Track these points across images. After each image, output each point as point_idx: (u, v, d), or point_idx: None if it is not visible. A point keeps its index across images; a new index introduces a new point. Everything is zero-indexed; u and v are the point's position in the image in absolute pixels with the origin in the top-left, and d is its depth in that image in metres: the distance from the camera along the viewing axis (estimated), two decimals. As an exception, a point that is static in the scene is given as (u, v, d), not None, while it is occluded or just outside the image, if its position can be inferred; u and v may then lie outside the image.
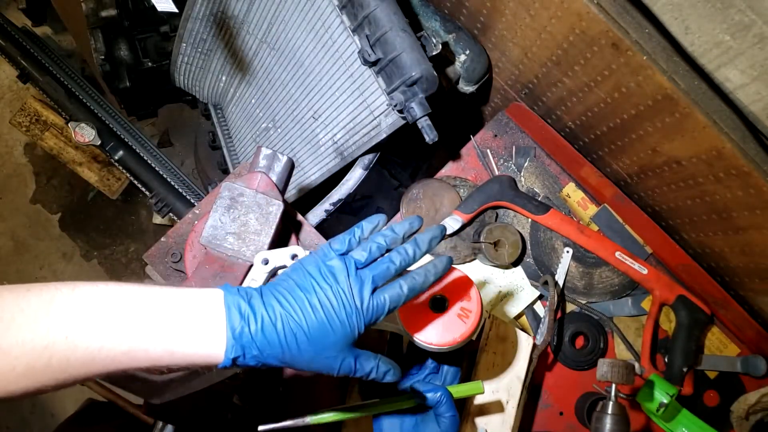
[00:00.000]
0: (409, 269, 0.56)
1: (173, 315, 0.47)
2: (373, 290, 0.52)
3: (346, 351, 0.52)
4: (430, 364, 0.73)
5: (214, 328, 0.47)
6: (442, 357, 0.75)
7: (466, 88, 1.14)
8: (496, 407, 0.87)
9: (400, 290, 0.53)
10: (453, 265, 0.66)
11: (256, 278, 0.69)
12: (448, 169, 1.12)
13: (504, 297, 1.04)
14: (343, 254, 0.54)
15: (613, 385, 0.83)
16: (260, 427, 0.61)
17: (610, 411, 0.82)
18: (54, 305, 0.44)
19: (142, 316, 0.46)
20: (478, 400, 0.86)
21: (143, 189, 1.54)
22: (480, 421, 0.86)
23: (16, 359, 0.42)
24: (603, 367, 0.83)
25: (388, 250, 0.56)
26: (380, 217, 0.59)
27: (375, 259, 0.55)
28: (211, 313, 0.48)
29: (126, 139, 1.52)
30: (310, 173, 1.16)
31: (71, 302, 0.45)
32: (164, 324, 0.46)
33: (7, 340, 0.42)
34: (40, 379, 0.43)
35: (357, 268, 0.53)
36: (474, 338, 0.66)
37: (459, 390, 0.68)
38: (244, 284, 0.70)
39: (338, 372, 0.52)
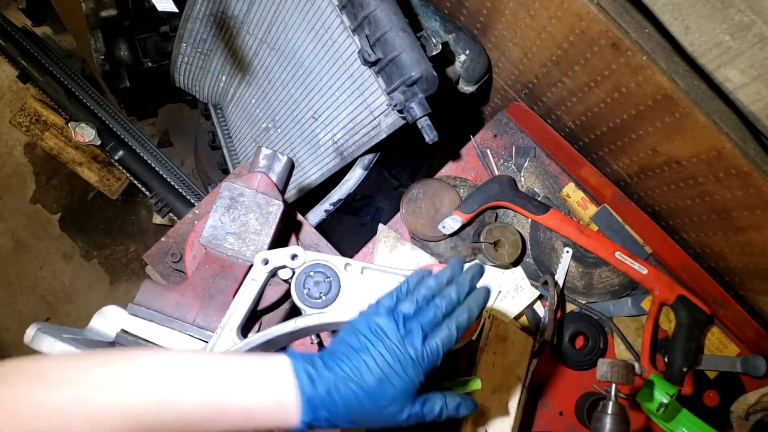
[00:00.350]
0: None
1: (249, 385, 0.49)
2: (424, 338, 0.54)
3: (410, 401, 0.53)
4: None
5: (287, 394, 0.50)
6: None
7: (466, 88, 1.14)
8: (496, 407, 0.87)
9: (449, 331, 0.55)
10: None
11: (256, 278, 0.69)
12: (448, 169, 1.12)
13: (504, 297, 1.04)
14: (391, 309, 0.56)
15: (613, 385, 0.83)
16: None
17: (610, 411, 0.82)
18: (139, 373, 0.46)
19: (220, 387, 0.48)
20: (478, 400, 0.86)
21: (143, 189, 1.54)
22: (480, 422, 0.86)
23: (106, 423, 0.44)
24: (603, 367, 0.83)
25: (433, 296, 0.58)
26: (425, 272, 0.61)
27: (420, 307, 0.56)
28: (283, 381, 0.50)
29: (126, 139, 1.52)
30: (310, 173, 1.16)
31: (154, 373, 0.47)
32: (242, 394, 0.49)
33: (99, 401, 0.44)
34: None
35: (405, 320, 0.55)
36: (474, 338, 0.66)
37: (458, 387, 0.68)
38: (244, 284, 0.70)
39: (407, 423, 0.53)
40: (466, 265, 0.61)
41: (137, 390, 0.45)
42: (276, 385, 0.50)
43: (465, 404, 0.57)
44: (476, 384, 0.69)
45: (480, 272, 0.60)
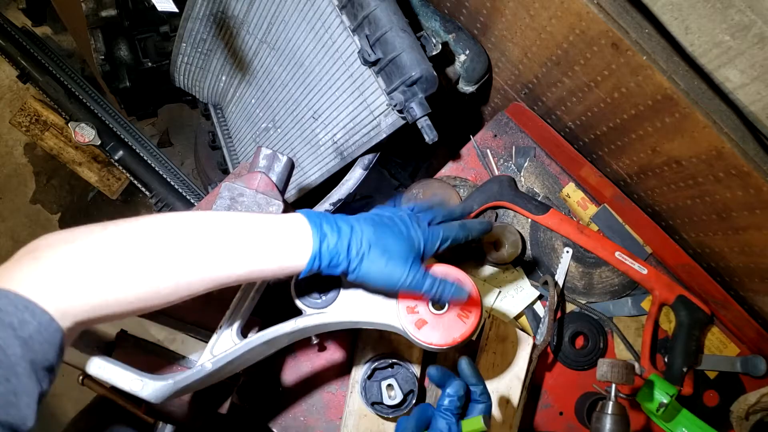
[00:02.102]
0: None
1: (266, 228, 0.54)
2: (429, 223, 0.62)
3: (414, 262, 0.58)
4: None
5: (301, 233, 0.55)
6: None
7: (466, 88, 1.14)
8: (496, 407, 0.87)
9: (452, 228, 0.62)
10: (453, 265, 0.66)
11: (256, 278, 0.69)
12: (448, 169, 1.12)
13: (504, 297, 1.04)
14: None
15: (613, 385, 0.83)
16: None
17: (609, 411, 0.82)
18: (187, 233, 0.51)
19: (250, 238, 0.53)
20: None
21: (143, 189, 1.54)
22: (480, 421, 0.86)
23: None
24: (603, 367, 0.83)
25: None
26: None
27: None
28: (298, 224, 0.56)
29: (126, 139, 1.53)
30: (310, 173, 1.16)
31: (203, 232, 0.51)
32: (269, 239, 0.54)
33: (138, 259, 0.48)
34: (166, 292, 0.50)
35: (414, 211, 0.64)
36: (474, 338, 0.66)
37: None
38: (244, 284, 0.70)
39: (407, 280, 0.57)
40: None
41: (172, 258, 0.49)
42: (291, 228, 0.55)
43: (454, 289, 0.61)
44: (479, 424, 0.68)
45: (488, 228, 0.68)
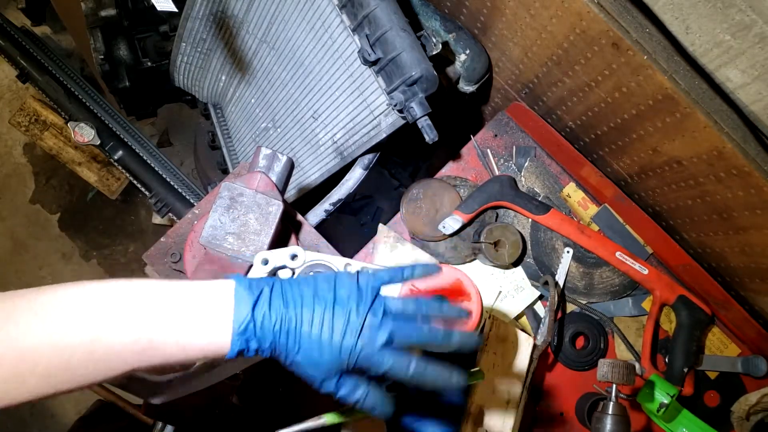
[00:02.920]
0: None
1: (187, 311, 0.48)
2: (384, 344, 0.49)
3: (333, 376, 0.50)
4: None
5: (222, 323, 0.48)
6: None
7: (466, 87, 1.14)
8: (496, 407, 0.87)
9: (405, 370, 0.50)
10: (453, 266, 0.66)
11: (255, 278, 0.69)
12: (449, 169, 1.11)
13: (504, 297, 1.04)
14: (377, 289, 0.52)
15: (614, 386, 0.83)
16: None
17: (610, 411, 0.82)
18: (75, 306, 0.46)
19: (156, 314, 0.47)
20: (479, 400, 0.86)
21: (142, 189, 1.54)
22: (480, 422, 0.86)
23: (35, 361, 0.43)
24: (603, 367, 0.83)
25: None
26: (435, 268, 0.57)
27: (407, 316, 0.52)
28: (221, 308, 0.49)
29: (125, 139, 1.52)
30: (310, 173, 1.15)
31: (90, 303, 0.46)
32: (178, 321, 0.48)
33: (26, 342, 0.43)
34: (57, 381, 0.45)
35: (384, 313, 0.50)
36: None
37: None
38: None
39: (318, 387, 0.51)
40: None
41: (68, 330, 0.44)
42: (212, 315, 0.48)
43: (380, 411, 0.52)
44: (479, 375, 0.68)
45: (476, 345, 0.55)
